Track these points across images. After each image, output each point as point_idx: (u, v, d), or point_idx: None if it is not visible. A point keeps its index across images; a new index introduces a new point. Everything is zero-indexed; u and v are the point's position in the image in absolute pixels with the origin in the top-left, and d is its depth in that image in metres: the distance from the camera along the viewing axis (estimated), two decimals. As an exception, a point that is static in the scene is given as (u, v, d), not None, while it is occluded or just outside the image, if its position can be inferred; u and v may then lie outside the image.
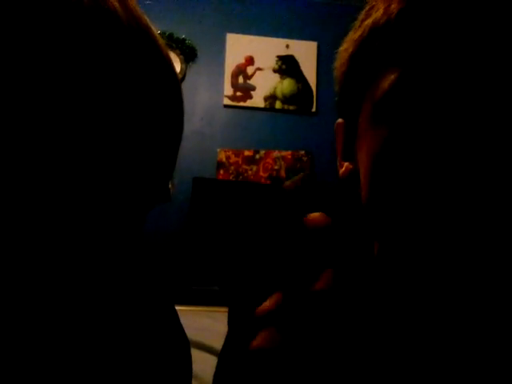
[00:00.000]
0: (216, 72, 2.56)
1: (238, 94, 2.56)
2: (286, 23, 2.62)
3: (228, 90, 2.55)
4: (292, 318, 0.30)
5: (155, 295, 0.43)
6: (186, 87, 2.32)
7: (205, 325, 1.26)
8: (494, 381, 0.34)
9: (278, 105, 2.58)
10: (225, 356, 0.47)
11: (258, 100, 2.57)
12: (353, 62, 0.43)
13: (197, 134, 2.46)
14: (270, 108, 2.57)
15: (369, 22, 0.41)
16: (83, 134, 0.33)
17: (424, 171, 0.35)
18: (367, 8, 0.42)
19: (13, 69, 0.31)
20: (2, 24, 0.31)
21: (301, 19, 2.63)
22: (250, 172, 2.47)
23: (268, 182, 2.45)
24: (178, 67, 2.45)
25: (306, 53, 2.60)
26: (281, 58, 2.60)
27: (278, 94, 2.58)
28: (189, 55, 2.52)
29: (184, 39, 2.50)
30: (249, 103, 2.57)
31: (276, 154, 2.50)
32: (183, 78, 2.49)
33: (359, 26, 0.42)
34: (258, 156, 2.50)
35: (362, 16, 0.43)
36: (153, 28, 0.39)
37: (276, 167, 2.49)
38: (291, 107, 2.59)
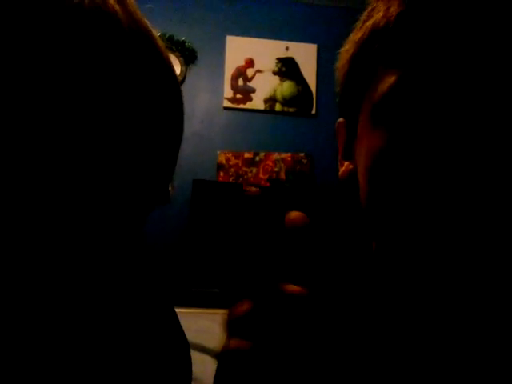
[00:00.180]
0: (216, 74, 2.56)
1: (238, 96, 2.56)
2: (285, 26, 2.62)
3: (228, 92, 2.55)
4: (259, 326, 0.30)
5: (155, 297, 0.43)
6: (185, 89, 2.31)
7: (205, 327, 1.26)
8: (494, 381, 0.34)
9: (277, 107, 2.58)
10: (223, 358, 0.47)
11: (257, 102, 2.57)
12: (353, 63, 0.43)
13: (197, 136, 2.46)
14: (269, 110, 2.57)
15: (369, 23, 0.41)
16: (84, 136, 0.33)
17: (421, 173, 0.35)
18: (369, 9, 0.42)
19: (14, 72, 0.31)
20: (2, 26, 0.31)
21: (301, 22, 2.63)
22: (249, 174, 2.47)
23: (267, 184, 2.45)
24: (177, 69, 2.45)
25: (305, 55, 2.60)
26: (281, 60, 2.60)
27: (278, 96, 2.58)
28: (189, 57, 2.52)
29: (184, 41, 2.50)
30: (249, 105, 2.56)
31: (276, 156, 2.50)
32: (183, 81, 2.49)
33: (360, 27, 0.43)
34: (257, 158, 2.49)
35: (363, 17, 0.43)
36: (153, 30, 0.39)
37: (276, 169, 2.48)
38: (291, 109, 2.58)
